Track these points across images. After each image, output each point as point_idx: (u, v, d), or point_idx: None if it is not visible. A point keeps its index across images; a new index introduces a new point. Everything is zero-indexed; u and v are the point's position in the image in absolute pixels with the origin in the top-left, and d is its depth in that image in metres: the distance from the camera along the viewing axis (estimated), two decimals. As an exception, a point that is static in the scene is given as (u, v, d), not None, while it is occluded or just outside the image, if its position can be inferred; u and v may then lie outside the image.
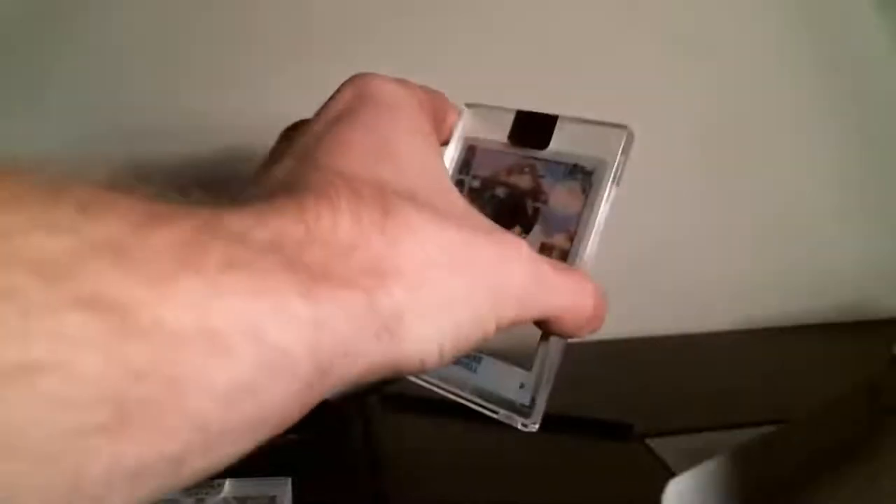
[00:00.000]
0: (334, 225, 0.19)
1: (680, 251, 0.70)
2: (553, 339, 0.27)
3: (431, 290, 0.20)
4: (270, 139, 0.27)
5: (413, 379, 0.28)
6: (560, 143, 0.29)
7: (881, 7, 0.70)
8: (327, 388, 0.18)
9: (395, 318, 0.19)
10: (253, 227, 0.17)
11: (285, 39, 0.58)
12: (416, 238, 0.20)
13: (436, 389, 0.29)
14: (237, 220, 0.17)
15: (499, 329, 0.23)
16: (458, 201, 0.24)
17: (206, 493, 0.35)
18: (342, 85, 0.25)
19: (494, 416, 0.28)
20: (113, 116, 0.56)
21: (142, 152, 0.57)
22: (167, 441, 0.15)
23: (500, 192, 0.30)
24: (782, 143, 0.72)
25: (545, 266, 0.24)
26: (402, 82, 0.26)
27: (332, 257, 0.18)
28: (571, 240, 0.28)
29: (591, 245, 0.28)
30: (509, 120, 0.30)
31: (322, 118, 0.24)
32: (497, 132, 0.30)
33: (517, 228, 0.29)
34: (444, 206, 0.23)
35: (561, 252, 0.28)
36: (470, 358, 0.29)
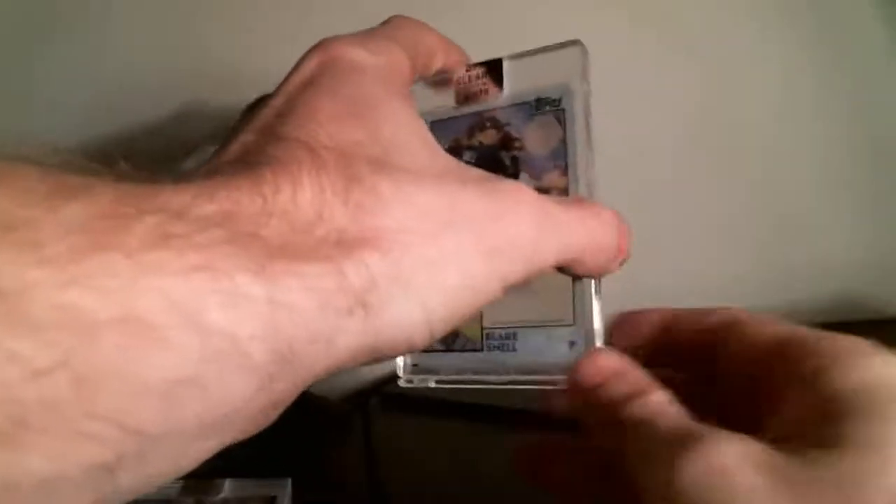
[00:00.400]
0: (294, 198, 0.17)
1: (675, 250, 0.71)
2: (585, 280, 0.25)
3: (409, 260, 0.18)
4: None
5: (446, 384, 0.27)
6: (512, 84, 0.27)
7: (880, 3, 0.70)
8: (299, 380, 0.16)
9: (370, 291, 0.17)
10: (195, 200, 0.15)
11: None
12: (385, 206, 0.18)
13: (475, 386, 0.27)
14: (174, 194, 0.15)
15: (508, 287, 0.21)
16: (442, 156, 0.22)
17: (206, 493, 0.35)
18: (306, 53, 0.23)
19: (555, 388, 0.25)
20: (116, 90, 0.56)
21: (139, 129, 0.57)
22: (87, 448, 0.13)
23: (468, 156, 0.28)
24: (777, 140, 0.72)
25: (552, 206, 0.22)
26: (368, 46, 0.23)
27: (293, 231, 0.16)
28: (566, 173, 0.27)
29: (592, 171, 0.27)
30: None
31: (284, 89, 0.22)
32: (441, 100, 0.28)
33: None
34: (426, 163, 0.21)
35: (559, 191, 0.26)
36: (503, 338, 0.27)
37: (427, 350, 0.28)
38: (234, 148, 0.20)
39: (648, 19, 0.66)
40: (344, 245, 0.17)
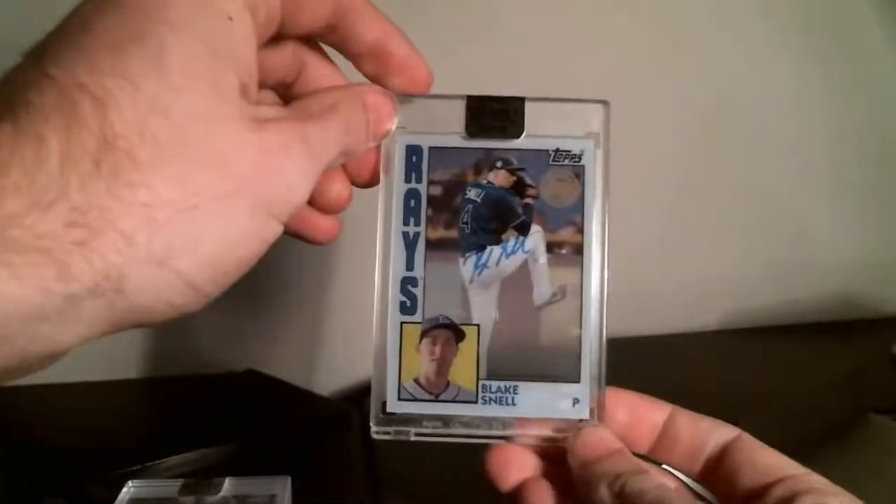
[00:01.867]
0: (38, 159, 0.17)
1: (677, 250, 0.71)
2: (593, 338, 0.26)
3: (160, 239, 0.18)
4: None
5: (428, 437, 0.26)
6: (532, 127, 0.26)
7: (886, 5, 0.70)
8: (34, 350, 0.17)
9: (108, 276, 0.17)
10: None
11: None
12: (141, 175, 0.18)
13: (461, 440, 0.26)
14: None
15: (290, 218, 0.22)
16: (228, 100, 0.20)
17: (206, 492, 0.35)
18: None
19: (559, 444, 0.25)
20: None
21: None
22: None
23: (474, 194, 0.26)
24: (779, 142, 0.72)
25: (312, 133, 0.22)
26: None
27: (21, 213, 0.16)
28: (581, 231, 0.26)
29: (606, 230, 0.26)
30: (458, 108, 0.26)
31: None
32: (445, 124, 0.26)
33: (511, 231, 0.26)
34: (206, 108, 0.19)
35: (573, 248, 0.26)
36: (502, 391, 0.26)
37: (407, 398, 0.26)
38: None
39: (654, 20, 0.66)
40: (86, 228, 0.17)
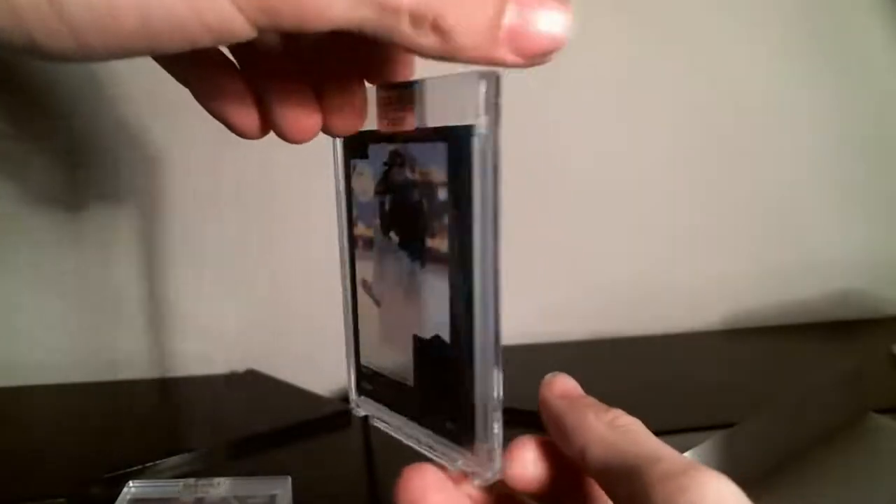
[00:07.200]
0: None
1: (676, 250, 0.71)
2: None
3: None
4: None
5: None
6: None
7: (880, 3, 0.70)
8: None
9: None
10: None
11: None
12: None
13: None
14: None
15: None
16: None
17: (207, 492, 0.35)
18: None
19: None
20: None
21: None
22: None
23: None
24: (780, 142, 0.72)
25: None
26: None
27: None
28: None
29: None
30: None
31: None
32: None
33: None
34: None
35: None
36: None
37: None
38: None
39: (657, 24, 0.66)
40: None
